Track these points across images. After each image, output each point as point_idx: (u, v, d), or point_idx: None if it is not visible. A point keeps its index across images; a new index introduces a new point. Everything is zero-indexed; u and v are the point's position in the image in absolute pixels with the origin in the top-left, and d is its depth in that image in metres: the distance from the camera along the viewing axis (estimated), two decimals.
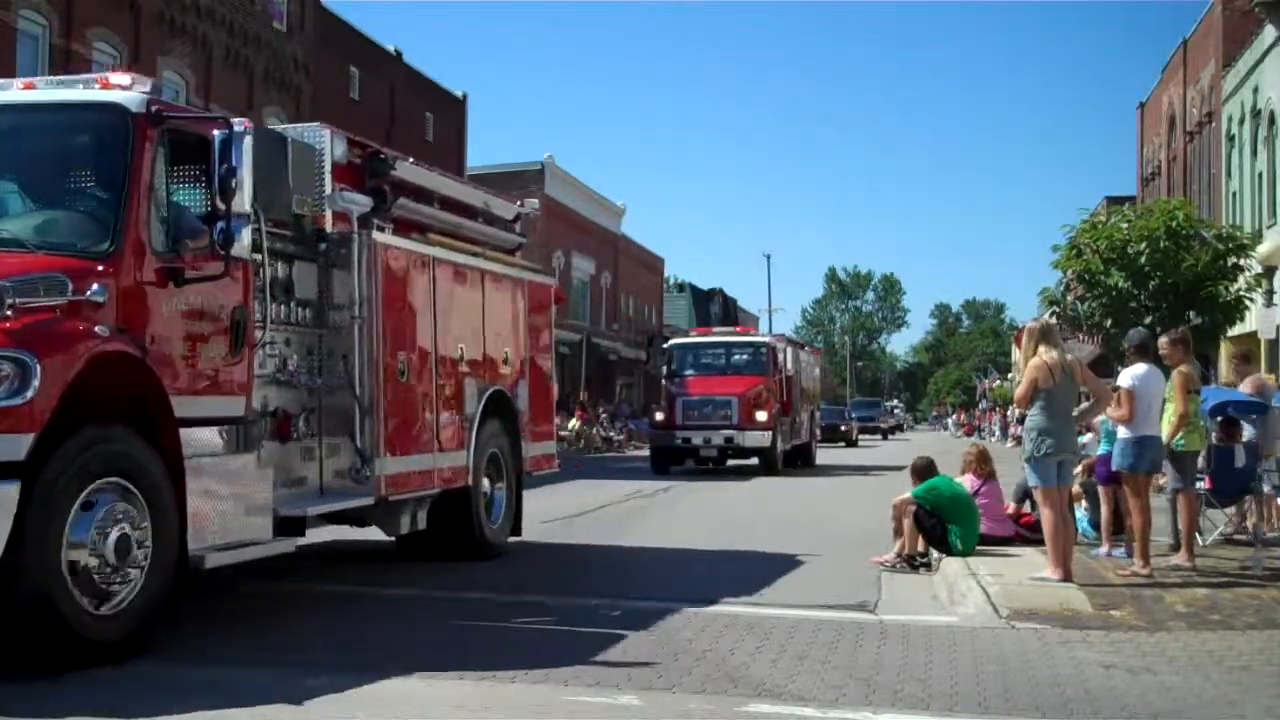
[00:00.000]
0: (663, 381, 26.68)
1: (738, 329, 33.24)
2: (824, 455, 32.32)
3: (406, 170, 9.97)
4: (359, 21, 32.95)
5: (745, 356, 26.37)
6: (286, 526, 7.89)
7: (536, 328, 11.97)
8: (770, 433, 24.61)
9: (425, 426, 9.52)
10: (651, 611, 8.11)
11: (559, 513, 15.67)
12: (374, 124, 32.69)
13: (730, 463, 25.87)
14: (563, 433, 38.32)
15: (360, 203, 8.91)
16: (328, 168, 8.67)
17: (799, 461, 28.12)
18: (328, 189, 8.66)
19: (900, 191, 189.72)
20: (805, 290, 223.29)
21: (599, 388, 48.84)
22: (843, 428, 47.93)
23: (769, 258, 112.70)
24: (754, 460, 25.29)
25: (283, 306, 8.22)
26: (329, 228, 8.68)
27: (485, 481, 10.61)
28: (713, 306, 70.23)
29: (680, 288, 71.74)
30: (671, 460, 25.22)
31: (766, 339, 28.13)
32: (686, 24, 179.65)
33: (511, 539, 11.27)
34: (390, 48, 34.33)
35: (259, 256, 7.63)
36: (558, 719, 5.54)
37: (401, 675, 6.24)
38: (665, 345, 28.70)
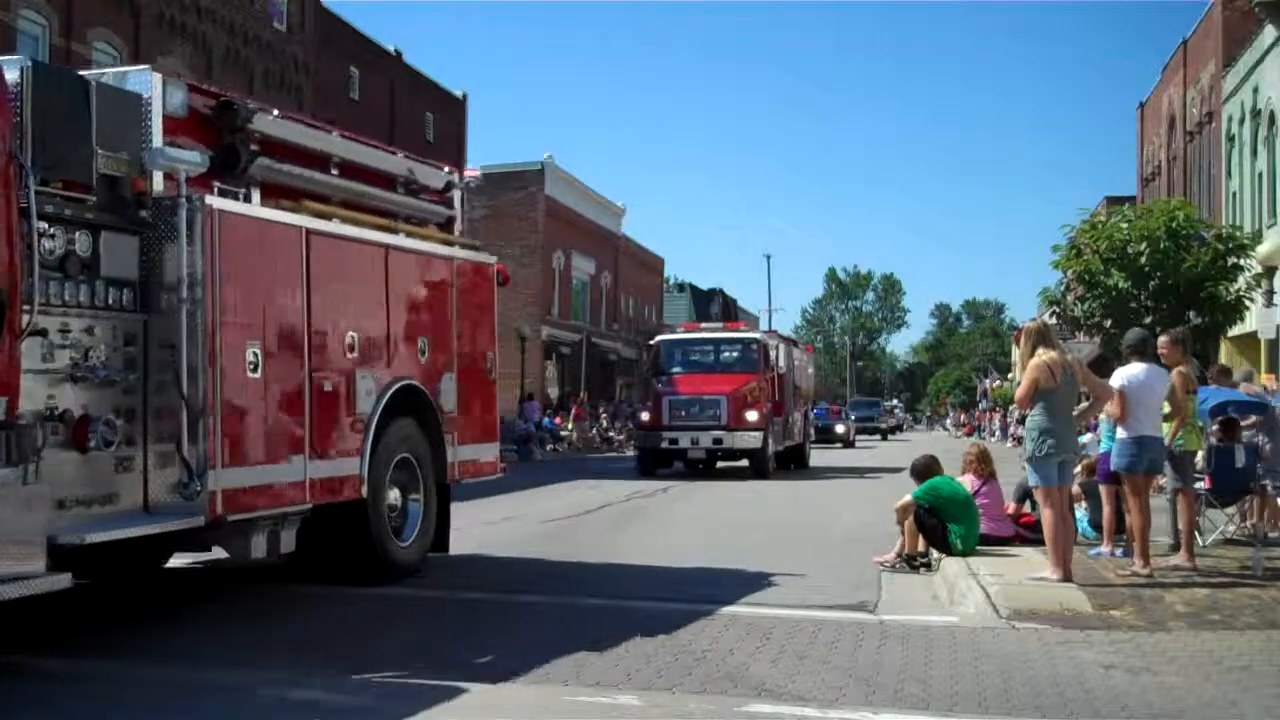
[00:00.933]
0: (650, 379, 25.67)
1: (727, 325, 30.92)
2: (819, 457, 31.68)
3: (273, 125, 8.48)
4: (359, 21, 32.99)
5: (735, 354, 25.20)
6: (64, 558, 6.30)
7: (471, 312, 10.47)
8: (761, 433, 23.50)
9: (289, 430, 7.92)
10: (651, 611, 8.12)
11: (559, 513, 15.69)
12: (374, 124, 32.72)
13: (720, 464, 25.02)
14: (563, 433, 38.50)
15: (189, 161, 7.24)
16: (156, 120, 7.32)
17: (792, 464, 27.17)
18: (156, 144, 7.26)
19: (900, 191, 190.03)
20: (805, 290, 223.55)
21: (599, 388, 48.84)
22: (839, 428, 46.99)
23: (769, 258, 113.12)
24: (744, 463, 24.28)
25: (82, 286, 6.76)
26: (156, 190, 7.25)
27: (394, 492, 9.31)
28: (713, 306, 70.19)
29: (680, 288, 71.76)
30: (658, 463, 24.13)
31: (757, 335, 26.83)
32: (687, 24, 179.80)
33: (438, 554, 10.10)
34: (390, 48, 34.34)
35: (45, 226, 6.41)
36: (558, 719, 5.54)
37: (402, 675, 6.24)
38: (652, 341, 27.53)
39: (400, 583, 9.45)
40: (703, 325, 30.12)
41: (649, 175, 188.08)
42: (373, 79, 32.73)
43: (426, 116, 36.25)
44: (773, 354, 25.44)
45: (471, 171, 11.47)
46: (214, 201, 7.36)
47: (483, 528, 14.02)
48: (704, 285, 73.99)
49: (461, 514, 15.30)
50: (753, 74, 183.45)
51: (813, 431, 32.69)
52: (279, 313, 7.93)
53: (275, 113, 8.70)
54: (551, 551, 11.72)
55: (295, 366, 8.05)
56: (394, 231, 9.59)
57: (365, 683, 6.08)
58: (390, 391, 9.00)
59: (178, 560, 10.90)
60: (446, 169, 10.94)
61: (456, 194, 10.95)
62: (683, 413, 23.47)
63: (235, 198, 7.77)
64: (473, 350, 10.50)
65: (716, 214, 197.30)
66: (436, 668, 6.43)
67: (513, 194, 45.97)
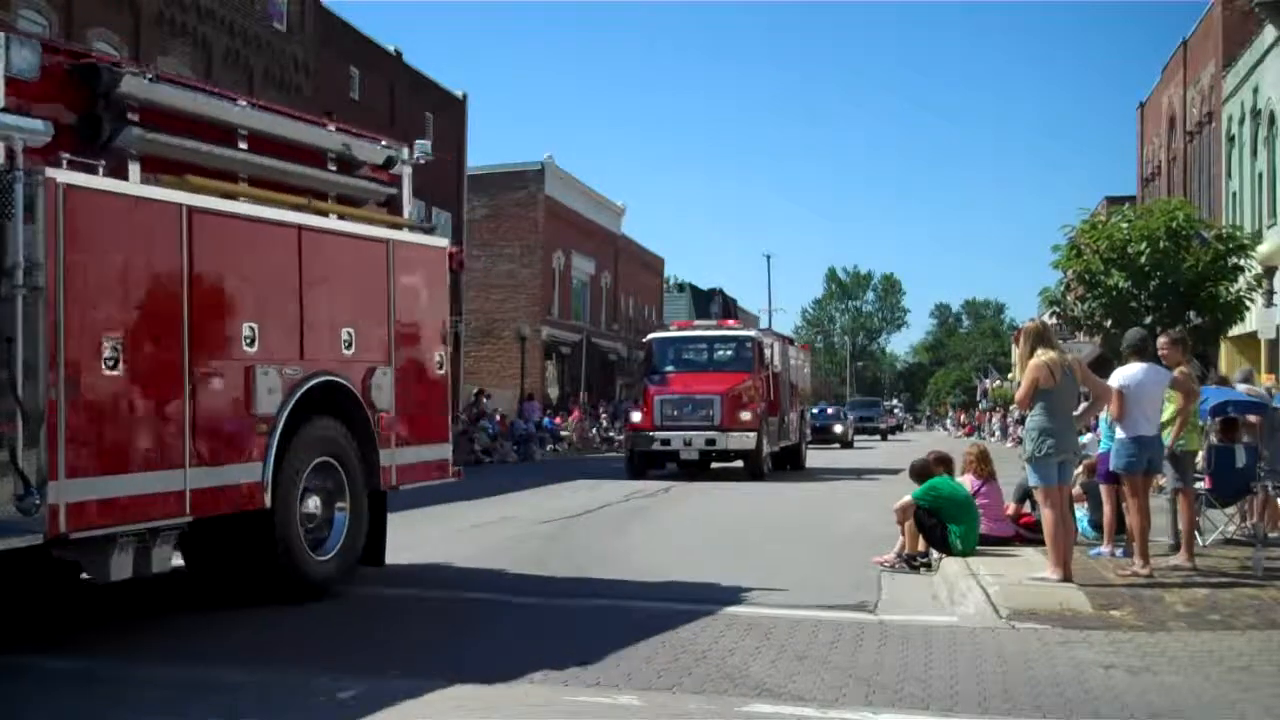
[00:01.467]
0: (641, 378, 24.77)
1: (720, 322, 30.10)
2: (816, 458, 31.10)
3: (151, 90, 7.50)
4: (359, 21, 32.97)
5: (729, 352, 24.41)
6: None
7: (415, 301, 9.50)
8: (755, 434, 22.71)
9: (161, 434, 7.01)
10: (651, 612, 8.12)
11: (558, 513, 15.68)
12: (374, 124, 32.67)
13: (714, 466, 24.40)
14: (563, 433, 38.52)
15: (27, 129, 6.38)
16: None
17: (788, 465, 26.55)
18: None
19: (900, 191, 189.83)
20: (805, 290, 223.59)
21: (599, 388, 48.86)
22: (837, 428, 46.12)
23: (769, 258, 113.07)
24: (738, 464, 23.55)
25: None
26: None
27: (313, 500, 8.38)
28: (713, 306, 70.18)
29: (680, 288, 71.76)
30: (649, 464, 23.30)
31: (751, 333, 26.02)
32: (687, 24, 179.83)
33: (372, 567, 9.30)
34: (390, 48, 34.32)
35: None
36: (558, 719, 5.54)
37: (400, 675, 6.25)
38: (644, 340, 26.47)
39: (399, 584, 9.45)
40: (696, 323, 29.32)
41: (649, 175, 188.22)
42: (373, 79, 32.71)
43: (426, 116, 36.23)
44: (767, 352, 24.83)
45: (421, 146, 10.11)
46: (58, 175, 6.43)
47: (481, 528, 14.03)
48: (704, 285, 74.01)
49: (460, 515, 15.35)
50: (753, 74, 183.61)
51: (809, 432, 32.03)
52: (150, 301, 7.00)
53: (151, 76, 7.65)
54: (551, 552, 11.72)
55: (170, 362, 7.09)
56: (322, 212, 8.68)
57: (365, 681, 6.08)
58: (305, 388, 8.06)
59: (177, 561, 10.91)
60: (385, 142, 9.82)
61: (406, 171, 9.92)
62: (675, 412, 22.84)
63: (96, 171, 6.76)
64: (417, 343, 9.51)
65: (716, 214, 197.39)
66: (437, 667, 6.43)
67: (513, 194, 46.00)
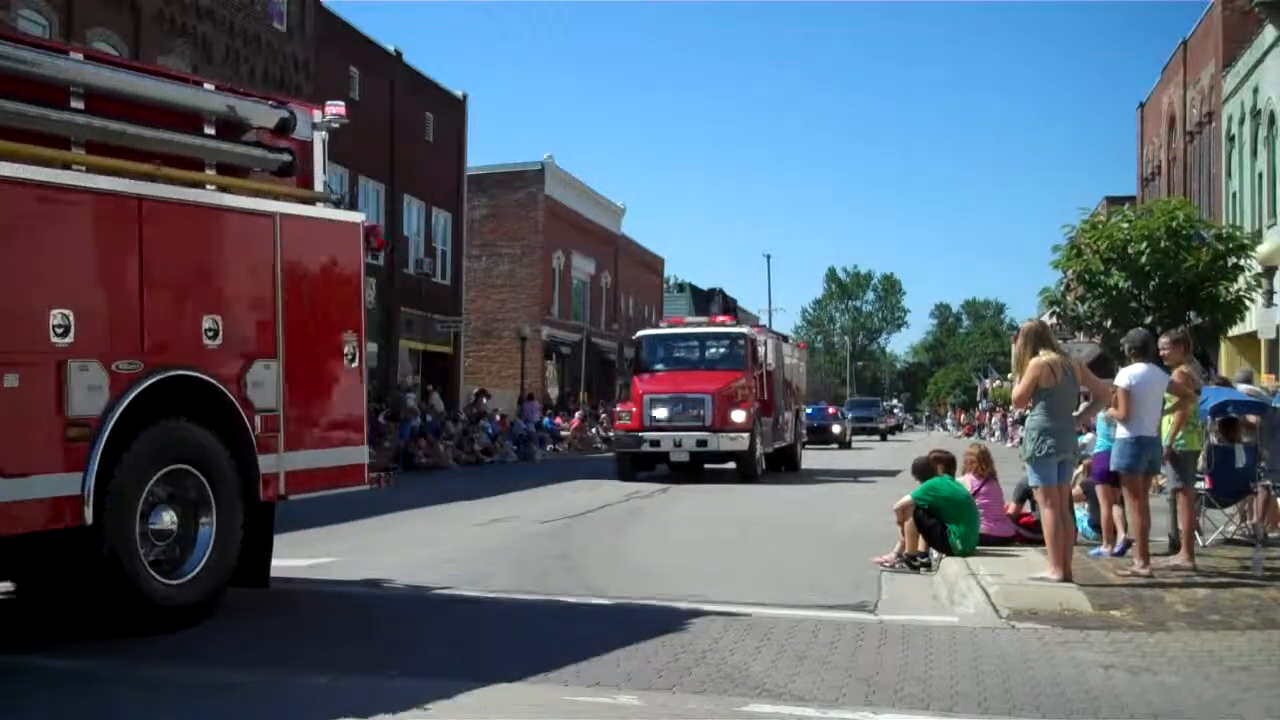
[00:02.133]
0: (631, 377, 23.94)
1: (712, 319, 28.67)
2: (812, 459, 30.72)
3: None
4: (359, 21, 33.08)
5: (721, 350, 23.69)
6: None
7: (314, 284, 8.31)
8: (748, 434, 21.94)
9: None
10: (651, 611, 8.12)
11: (558, 513, 15.68)
12: (374, 124, 32.72)
13: (706, 467, 23.58)
14: (563, 433, 38.53)
15: None
16: None
17: (783, 466, 25.87)
18: None
19: (900, 191, 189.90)
20: (805, 290, 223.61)
21: (599, 388, 48.86)
22: (834, 429, 45.19)
23: (769, 258, 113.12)
24: (731, 465, 22.83)
25: None
26: None
27: (166, 515, 7.30)
28: (713, 306, 70.15)
29: (680, 288, 71.76)
30: (638, 466, 22.53)
31: (744, 330, 24.94)
32: (687, 24, 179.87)
33: (257, 588, 8.22)
34: (390, 48, 34.31)
35: None
36: (558, 719, 5.54)
37: (401, 675, 6.25)
38: (634, 337, 25.57)
39: (399, 584, 9.44)
40: (688, 320, 28.48)
41: (649, 175, 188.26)
42: (373, 79, 32.70)
43: (426, 116, 36.23)
44: (761, 350, 23.96)
45: (334, 108, 8.84)
46: None
47: (481, 528, 14.03)
48: (704, 285, 74.02)
49: (460, 515, 15.36)
50: (753, 74, 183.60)
51: (805, 432, 31.32)
52: None
53: None
54: (551, 551, 11.72)
55: None
56: (190, 182, 7.61)
57: (365, 681, 6.08)
58: (143, 385, 6.93)
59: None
60: (273, 102, 8.63)
61: (318, 137, 8.76)
62: (665, 412, 22.13)
63: None
64: (316, 331, 8.31)
65: (716, 214, 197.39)
66: (436, 667, 6.43)
67: (513, 194, 46.00)
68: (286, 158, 8.46)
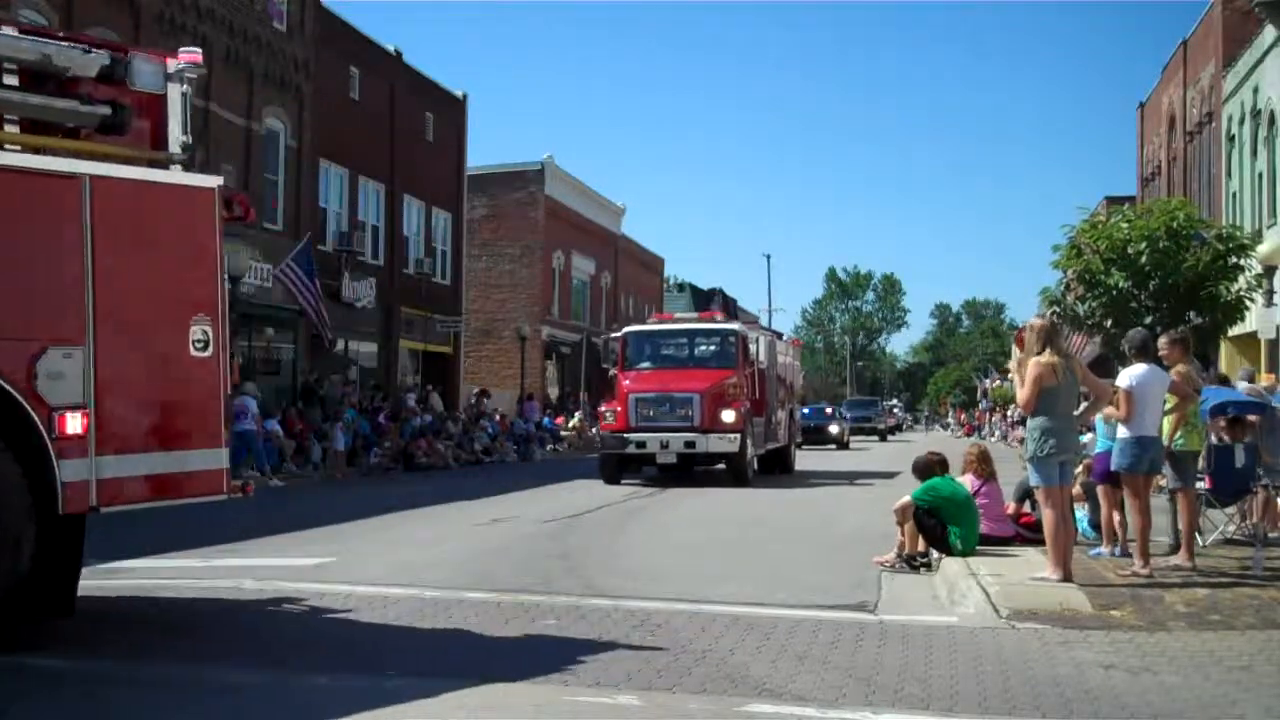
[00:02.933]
0: (615, 376, 22.79)
1: (702, 315, 27.35)
2: (808, 460, 30.08)
3: None
4: (359, 21, 32.93)
5: (711, 347, 22.71)
6: None
7: (141, 258, 7.04)
8: (739, 435, 20.93)
9: None
10: (651, 611, 8.12)
11: (558, 513, 15.68)
12: (374, 124, 32.71)
13: (697, 468, 22.45)
14: (563, 433, 38.53)
15: None
16: None
17: (776, 468, 25.05)
18: None
19: (900, 191, 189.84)
20: (805, 290, 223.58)
21: (599, 387, 48.84)
22: (831, 429, 44.41)
23: (769, 258, 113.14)
24: (721, 467, 21.91)
25: None
26: None
27: None
28: (713, 306, 70.19)
29: (680, 287, 71.67)
30: (624, 468, 21.59)
31: (735, 326, 23.85)
32: (687, 24, 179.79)
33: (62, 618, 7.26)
34: (390, 48, 34.29)
35: None
36: (558, 719, 5.54)
37: (401, 675, 6.25)
38: (618, 334, 24.30)
39: (399, 584, 9.44)
40: (676, 316, 27.47)
41: (649, 175, 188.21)
42: (373, 79, 32.69)
43: (426, 116, 36.22)
44: (753, 347, 23.13)
45: (187, 55, 7.48)
46: None
47: (480, 528, 14.03)
48: (704, 285, 74.00)
49: (460, 515, 15.36)
50: (753, 74, 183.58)
51: (801, 433, 30.56)
52: None
53: None
54: (551, 551, 11.72)
55: None
56: None
57: (365, 681, 6.08)
58: None
59: (177, 561, 10.92)
60: (88, 46, 7.40)
61: (175, 90, 7.54)
62: (650, 412, 21.12)
63: None
64: (149, 314, 7.11)
65: (716, 214, 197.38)
66: (436, 667, 6.43)
67: (513, 194, 45.99)
68: (106, 110, 7.22)
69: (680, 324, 24.63)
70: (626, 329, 24.29)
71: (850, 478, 24.28)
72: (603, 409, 22.38)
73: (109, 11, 22.48)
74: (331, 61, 30.37)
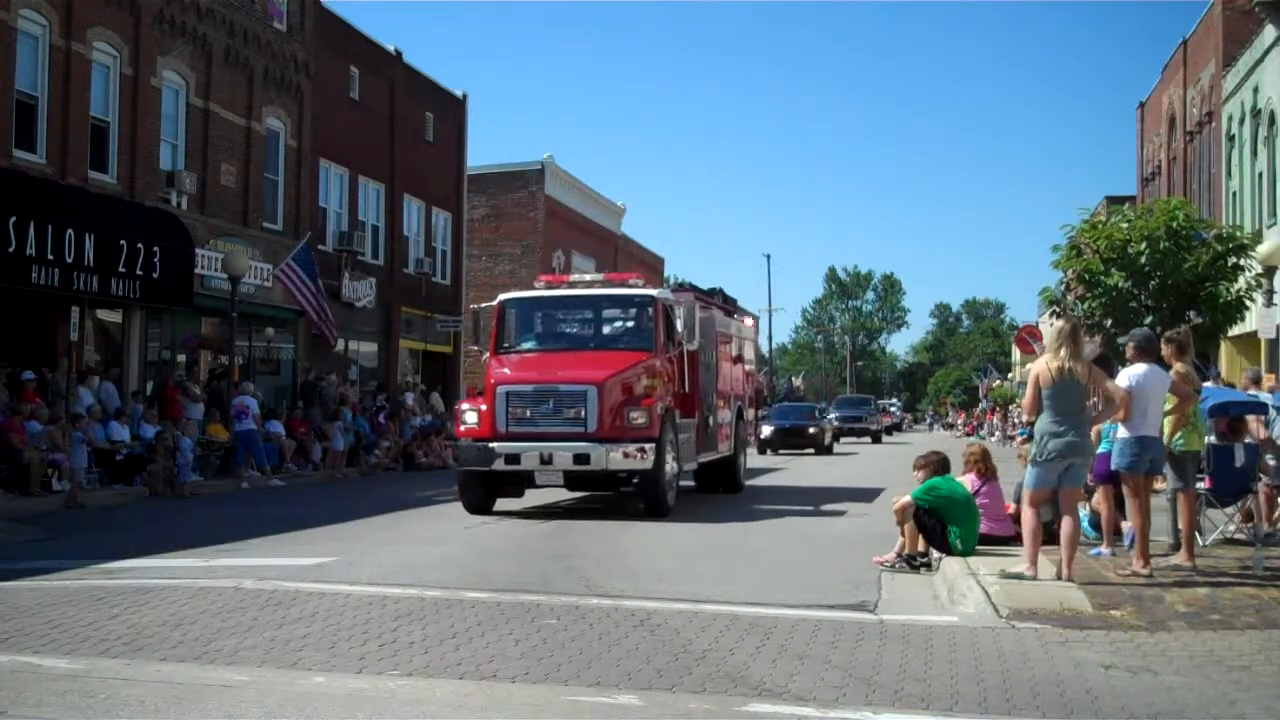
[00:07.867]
0: (484, 360, 16.61)
1: (608, 276, 18.87)
2: (778, 469, 26.95)
3: None
4: (359, 21, 32.93)
5: (621, 322, 16.74)
6: None
7: None
8: (653, 445, 14.75)
9: None
10: (651, 611, 8.12)
11: (558, 513, 15.66)
12: (374, 124, 32.70)
13: (591, 492, 17.49)
14: None
15: None
16: None
17: (719, 486, 19.29)
18: None
19: (900, 191, 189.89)
20: (805, 290, 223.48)
21: None
22: (810, 430, 38.13)
23: (769, 258, 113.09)
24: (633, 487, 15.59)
25: None
26: None
27: None
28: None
29: (680, 287, 71.72)
30: (489, 492, 15.53)
31: (653, 292, 16.91)
32: (687, 24, 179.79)
33: None
34: (390, 48, 34.27)
35: None
36: (558, 719, 5.54)
37: (401, 675, 6.25)
38: (488, 303, 17.42)
39: (399, 583, 9.44)
40: (571, 278, 19.15)
41: (649, 175, 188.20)
42: (373, 79, 32.67)
43: (426, 116, 36.20)
44: (679, 322, 16.47)
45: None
46: None
47: (477, 528, 14.02)
48: (704, 285, 73.91)
49: (459, 515, 15.33)
50: (753, 74, 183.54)
51: (777, 436, 24.23)
52: None
53: None
54: (550, 551, 11.72)
55: None
56: None
57: (364, 681, 6.08)
58: None
59: (177, 560, 10.93)
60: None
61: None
62: (527, 413, 14.97)
63: None
64: None
65: (716, 214, 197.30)
66: (436, 667, 6.43)
67: (513, 194, 45.99)
68: None
69: (575, 289, 17.64)
70: (502, 296, 17.35)
71: (817, 501, 18.08)
72: (462, 406, 16.02)
73: (109, 11, 22.45)
74: (331, 61, 30.36)
